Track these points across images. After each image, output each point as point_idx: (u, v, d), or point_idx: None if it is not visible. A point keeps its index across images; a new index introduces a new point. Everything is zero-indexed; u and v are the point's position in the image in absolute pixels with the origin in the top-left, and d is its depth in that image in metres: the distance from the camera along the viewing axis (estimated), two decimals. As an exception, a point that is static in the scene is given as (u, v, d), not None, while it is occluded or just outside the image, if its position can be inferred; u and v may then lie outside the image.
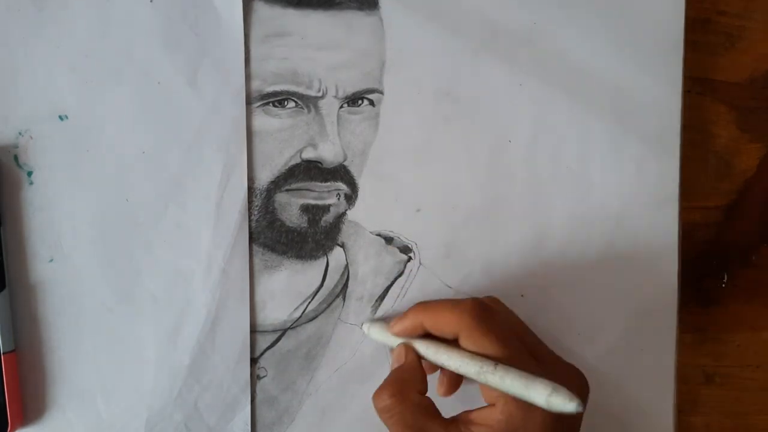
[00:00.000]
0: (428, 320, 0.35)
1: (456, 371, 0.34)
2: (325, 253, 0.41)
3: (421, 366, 0.36)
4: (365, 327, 0.40)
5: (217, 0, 0.40)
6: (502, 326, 0.34)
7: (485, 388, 0.33)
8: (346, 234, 0.41)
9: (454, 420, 0.34)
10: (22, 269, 0.39)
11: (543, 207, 0.41)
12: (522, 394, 0.30)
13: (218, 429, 0.40)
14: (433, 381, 0.37)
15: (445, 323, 0.34)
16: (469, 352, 0.33)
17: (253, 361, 0.40)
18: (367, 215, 0.41)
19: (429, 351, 0.35)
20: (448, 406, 0.35)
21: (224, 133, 0.40)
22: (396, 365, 0.36)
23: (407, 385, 0.34)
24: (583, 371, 0.40)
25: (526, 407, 0.31)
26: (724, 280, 0.44)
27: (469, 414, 0.34)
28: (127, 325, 0.40)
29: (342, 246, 0.41)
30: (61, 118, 0.40)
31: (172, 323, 0.40)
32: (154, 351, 0.40)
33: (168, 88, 0.40)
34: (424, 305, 0.36)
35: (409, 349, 0.36)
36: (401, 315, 0.37)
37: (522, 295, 0.41)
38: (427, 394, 0.35)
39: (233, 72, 0.40)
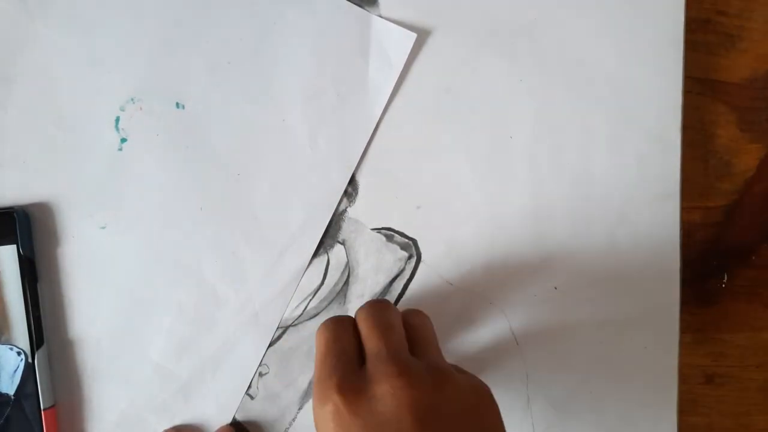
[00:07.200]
0: None
1: None
2: (326, 251, 0.41)
3: None
4: None
5: (372, 73, 0.40)
6: None
7: None
8: (346, 231, 0.41)
9: None
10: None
11: (544, 203, 0.41)
12: None
13: None
14: None
15: None
16: None
17: (254, 358, 0.41)
18: (367, 212, 0.41)
19: None
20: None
21: (318, 197, 0.40)
22: None
23: None
24: (584, 371, 0.41)
25: None
26: (724, 280, 0.44)
27: None
28: (144, 316, 0.39)
29: (342, 243, 0.41)
30: (178, 105, 0.39)
31: (186, 335, 0.40)
32: (158, 353, 0.40)
33: (289, 129, 0.39)
34: None
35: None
36: None
37: (522, 291, 0.41)
38: None
39: (354, 146, 0.40)
